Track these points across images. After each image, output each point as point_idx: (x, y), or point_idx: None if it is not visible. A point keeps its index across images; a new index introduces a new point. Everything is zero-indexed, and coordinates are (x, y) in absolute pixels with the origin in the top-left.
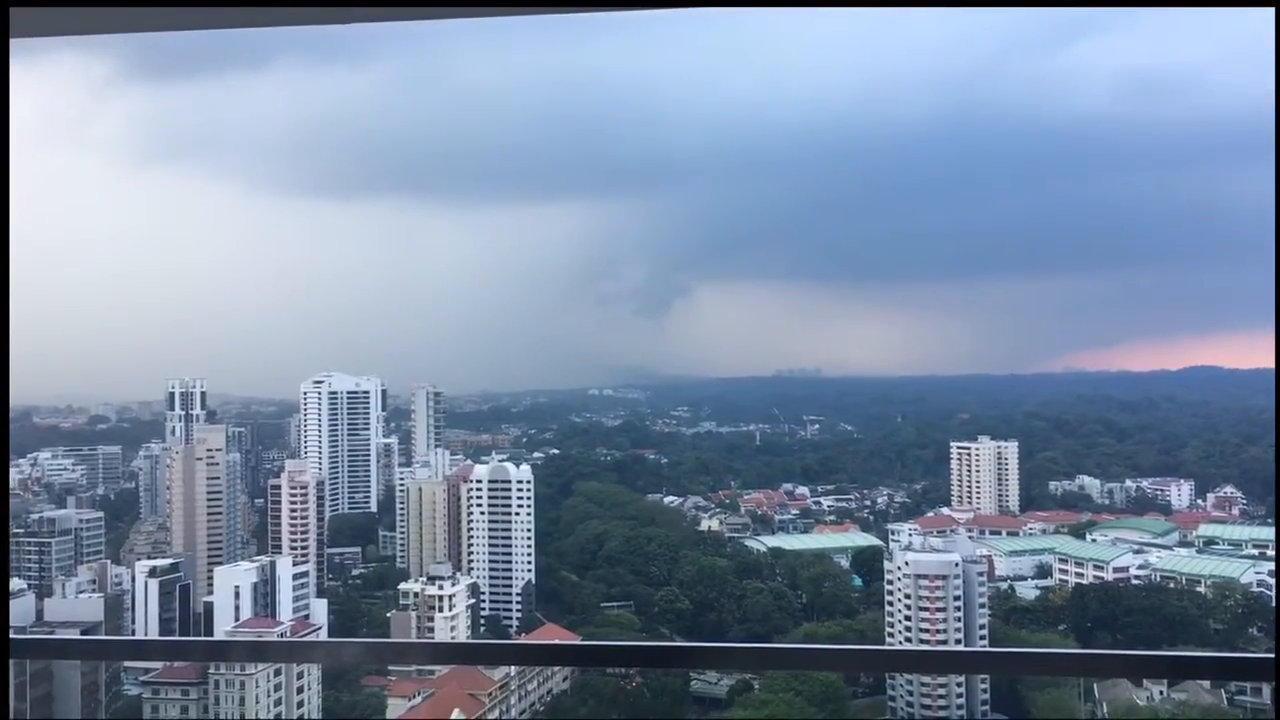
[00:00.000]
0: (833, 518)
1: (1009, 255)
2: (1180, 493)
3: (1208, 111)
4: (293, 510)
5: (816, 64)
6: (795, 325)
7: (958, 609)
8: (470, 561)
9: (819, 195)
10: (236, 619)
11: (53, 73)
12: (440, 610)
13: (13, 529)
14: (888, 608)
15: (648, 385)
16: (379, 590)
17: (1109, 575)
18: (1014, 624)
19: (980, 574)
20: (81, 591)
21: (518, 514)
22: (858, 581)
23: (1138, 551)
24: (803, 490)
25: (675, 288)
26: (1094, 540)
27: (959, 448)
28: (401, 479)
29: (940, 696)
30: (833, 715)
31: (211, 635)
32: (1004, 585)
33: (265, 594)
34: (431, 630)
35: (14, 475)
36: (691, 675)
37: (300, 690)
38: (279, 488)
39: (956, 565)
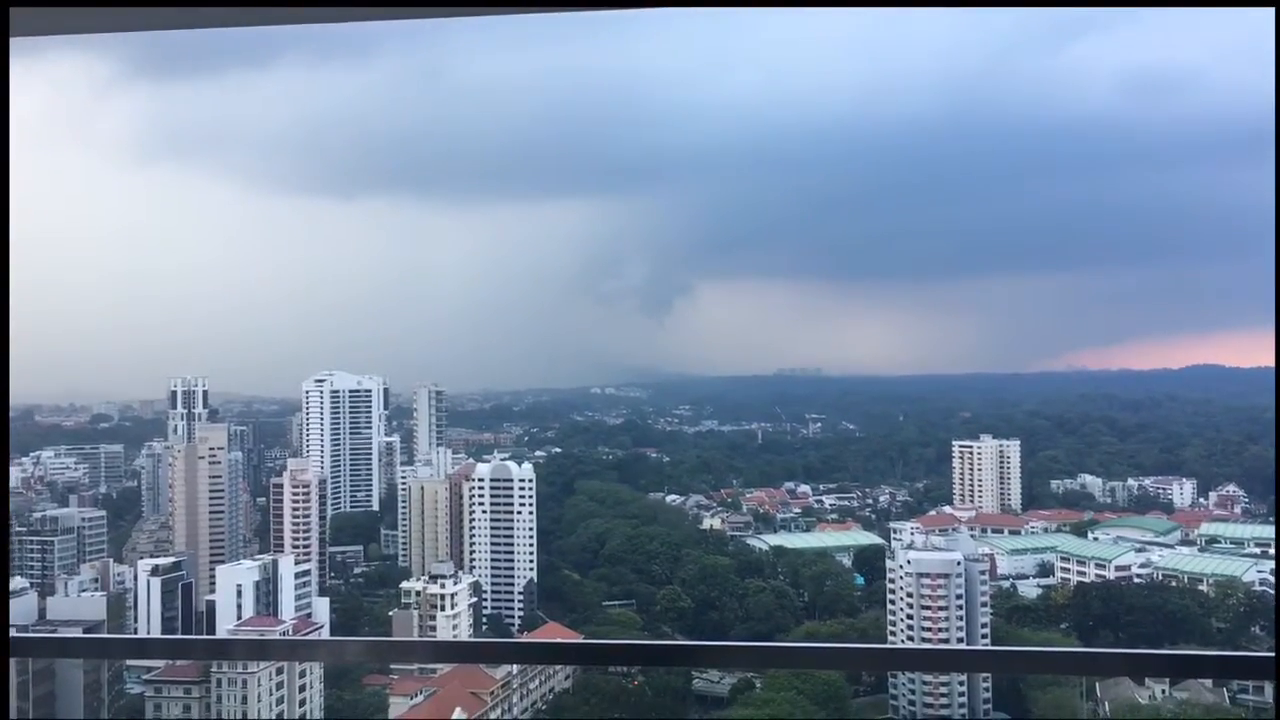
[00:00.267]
0: (835, 516)
1: (1010, 253)
2: (1182, 491)
3: (1209, 109)
4: (295, 509)
5: (818, 62)
6: (797, 324)
7: (960, 607)
8: (472, 560)
9: (821, 193)
10: (239, 617)
11: (54, 71)
12: (442, 609)
13: (16, 527)
14: (889, 606)
15: (649, 384)
16: (381, 589)
17: (1111, 574)
18: (1016, 622)
19: (982, 572)
20: (84, 590)
21: (519, 512)
22: (859, 580)
23: (1140, 550)
24: (805, 489)
25: (677, 286)
26: (1096, 539)
27: (961, 446)
28: (403, 477)
29: (942, 695)
30: (834, 714)
31: (214, 634)
32: (1006, 584)
33: (267, 592)
34: (433, 629)
35: (17, 474)
36: (693, 674)
37: (303, 689)
38: (281, 486)
39: (958, 564)
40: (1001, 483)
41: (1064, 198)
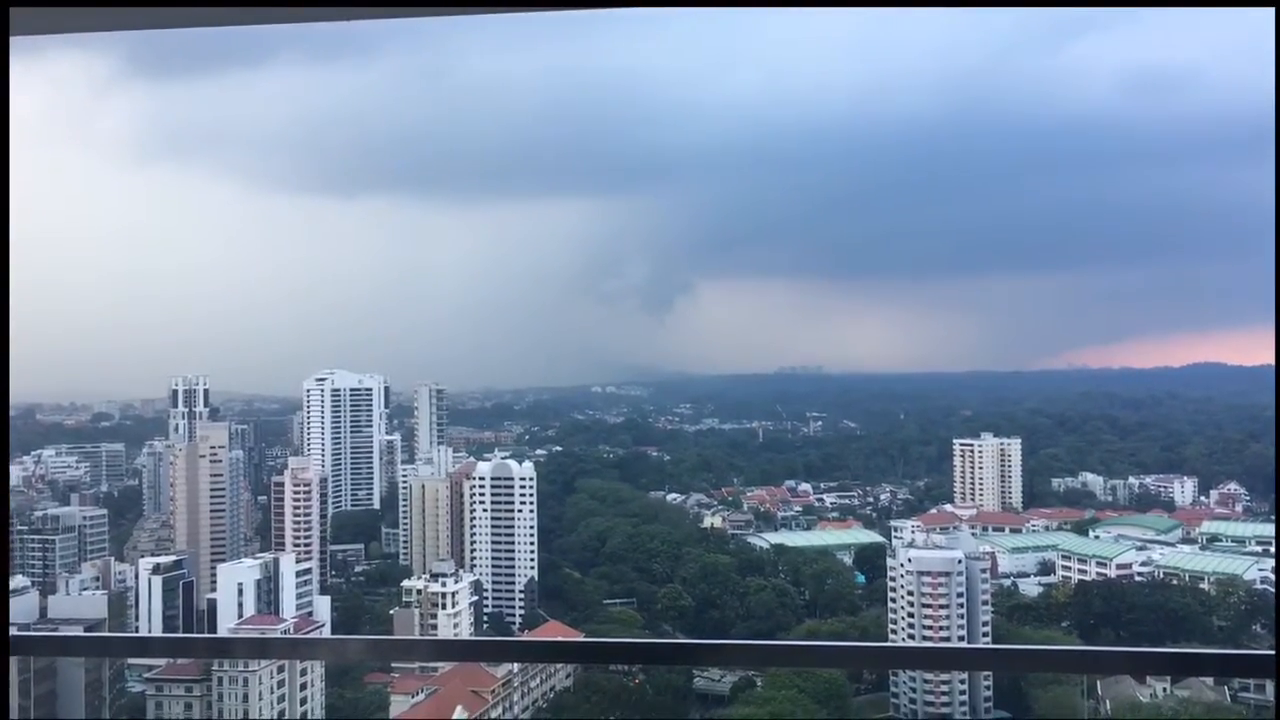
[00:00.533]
0: (835, 514)
1: (1011, 252)
2: (1183, 489)
3: (1209, 107)
4: (296, 507)
5: (819, 61)
6: (798, 322)
7: (960, 606)
8: (473, 558)
9: (822, 192)
10: (240, 616)
11: (54, 70)
12: (443, 607)
13: (17, 526)
14: (890, 604)
15: (650, 382)
16: (382, 587)
17: (1112, 572)
18: (1017, 621)
19: (983, 571)
20: (85, 589)
21: (520, 511)
22: (860, 578)
23: (1141, 548)
24: (805, 487)
25: (678, 285)
26: (1097, 537)
27: (962, 444)
28: (404, 476)
29: (943, 693)
30: (835, 712)
31: (215, 632)
32: (1007, 582)
33: (268, 591)
34: (434, 627)
35: (18, 472)
36: (694, 672)
37: (304, 687)
38: (282, 485)
39: (959, 562)
40: (1002, 481)
41: (1064, 196)
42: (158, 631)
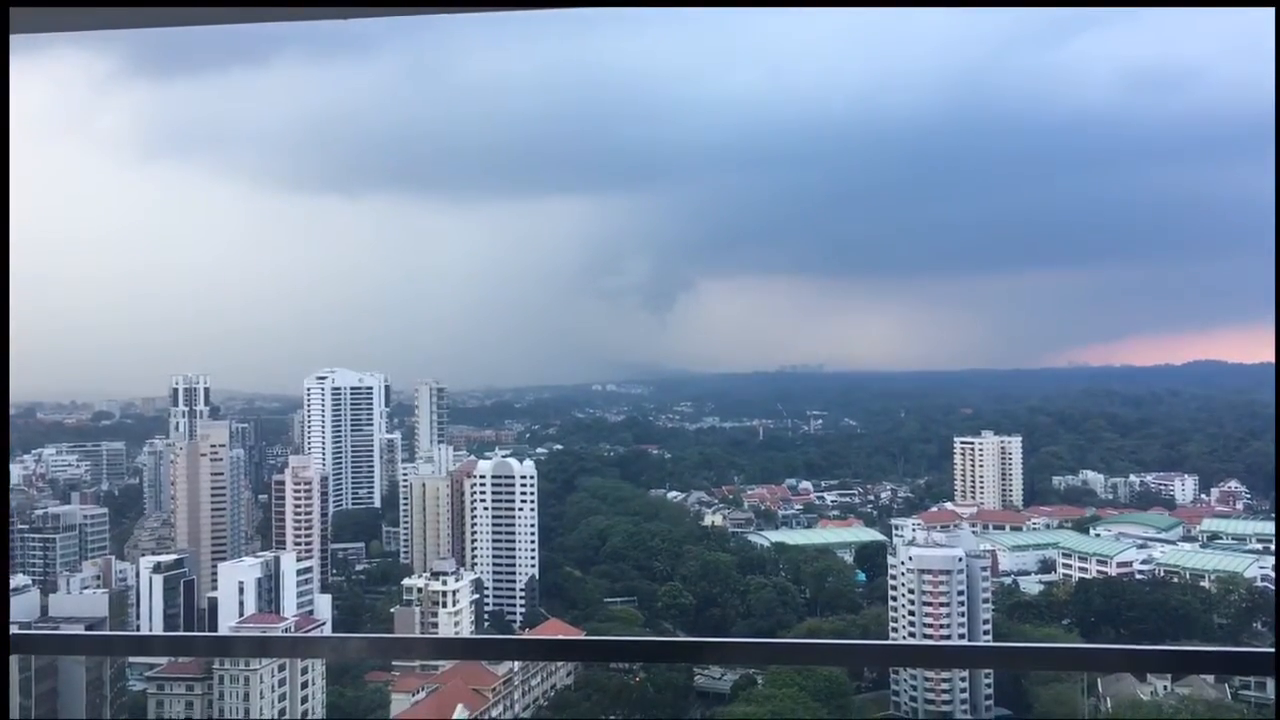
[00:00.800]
0: (836, 513)
1: (1012, 249)
2: (1184, 487)
3: (1209, 104)
4: (296, 506)
5: (819, 58)
6: (799, 320)
7: (961, 604)
8: (474, 557)
9: (823, 190)
10: (240, 614)
11: (54, 68)
12: (444, 605)
13: (18, 525)
14: (891, 603)
15: (651, 380)
16: (383, 586)
17: (1113, 570)
18: (1017, 619)
19: (984, 569)
20: (86, 587)
21: (521, 509)
22: (861, 576)
23: (1141, 546)
24: (806, 485)
25: (678, 283)
26: (1098, 535)
27: (962, 442)
28: (405, 474)
29: (944, 691)
30: (836, 710)
31: (216, 631)
32: (1007, 580)
33: (269, 589)
34: (435, 626)
35: (19, 471)
36: (695, 670)
37: (305, 686)
38: (283, 483)
39: (960, 560)
40: (1003, 479)
41: (1065, 193)
42: (159, 630)
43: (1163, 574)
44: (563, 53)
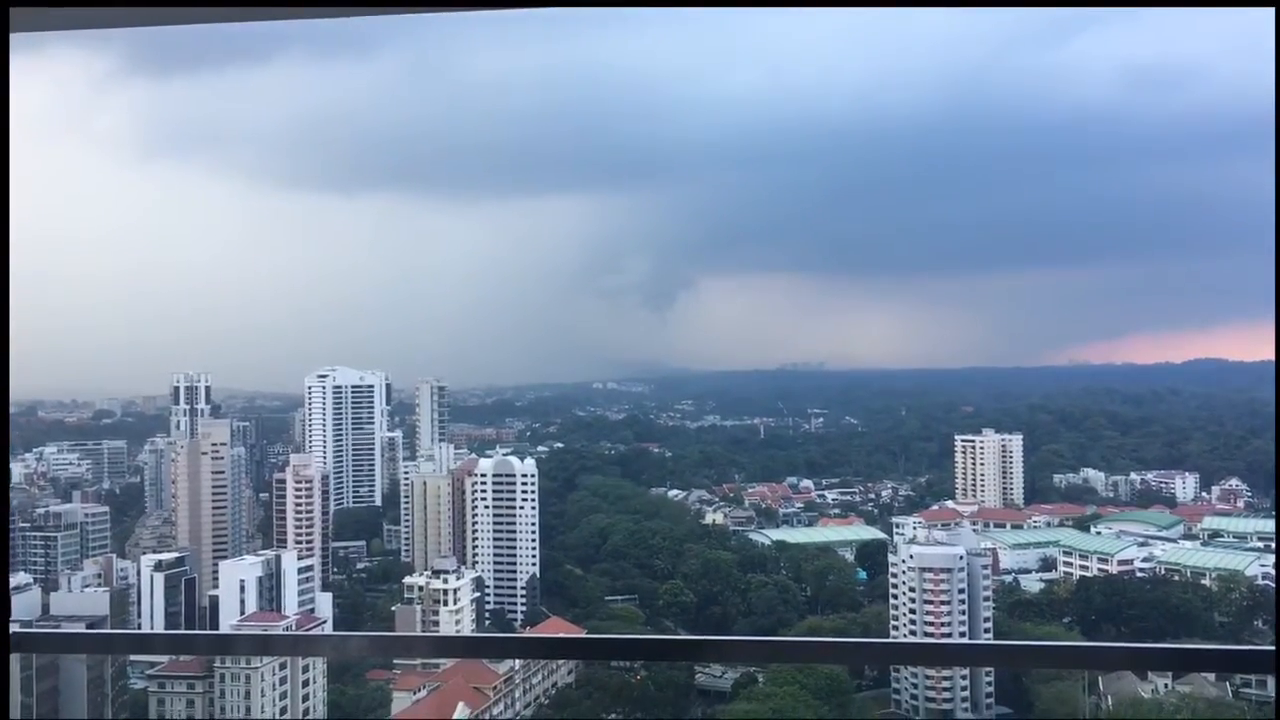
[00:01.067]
0: (837, 511)
1: (1012, 248)
2: (1185, 485)
3: (1210, 103)
4: (297, 504)
5: (819, 56)
6: (800, 318)
7: (962, 602)
8: (475, 555)
9: (823, 188)
10: (242, 613)
11: (54, 67)
12: (445, 604)
13: (19, 523)
14: (892, 601)
15: (652, 379)
16: (384, 584)
17: (1113, 568)
18: (1018, 617)
19: (984, 567)
20: (87, 585)
21: (522, 508)
22: (862, 575)
23: (1142, 544)
24: (807, 483)
25: (679, 281)
26: (1098, 533)
27: (963, 441)
28: (406, 473)
29: (945, 689)
30: (837, 708)
31: (217, 629)
32: (1008, 578)
33: (270, 588)
34: (436, 624)
35: (20, 470)
36: (696, 668)
37: (306, 684)
38: (284, 482)
39: (961, 558)
40: (1004, 477)
41: (1066, 192)
42: (160, 628)
43: (1163, 572)
44: (563, 52)
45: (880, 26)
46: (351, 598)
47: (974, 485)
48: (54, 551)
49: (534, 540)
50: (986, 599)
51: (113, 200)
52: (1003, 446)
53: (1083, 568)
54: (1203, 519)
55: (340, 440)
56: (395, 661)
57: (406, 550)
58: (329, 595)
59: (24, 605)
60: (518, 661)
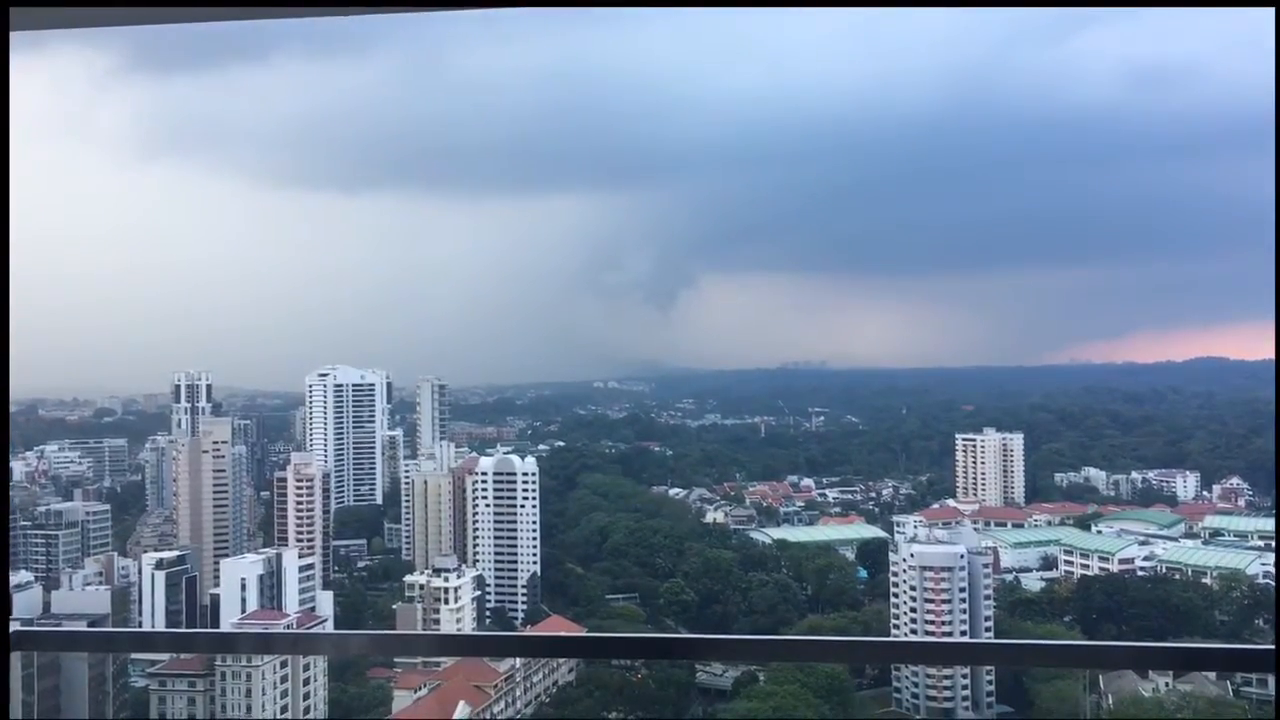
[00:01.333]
0: (838, 510)
1: (1013, 247)
2: (1186, 484)
3: (1210, 102)
4: (298, 503)
5: (821, 55)
6: (801, 317)
7: (963, 601)
8: (475, 554)
9: (824, 186)
10: (243, 611)
11: (54, 65)
12: (446, 602)
13: (20, 521)
14: (893, 599)
15: (653, 377)
16: (384, 582)
17: (1114, 567)
18: (1019, 616)
19: (985, 566)
20: (88, 584)
21: (523, 506)
22: (863, 573)
23: (1143, 543)
24: (808, 482)
25: (680, 280)
26: (1099, 532)
27: (964, 439)
28: (407, 471)
29: (945, 688)
30: (838, 706)
31: (218, 627)
32: (1009, 577)
33: (271, 586)
34: (437, 622)
35: (21, 468)
36: (697, 667)
37: (307, 682)
38: (285, 480)
39: (962, 557)
40: (1005, 476)
41: (1066, 191)
42: (161, 627)
43: (1164, 571)
44: (564, 51)
45: (881, 26)
46: (352, 596)
47: (975, 484)
48: (55, 550)
49: (535, 539)
50: (987, 598)
51: (113, 199)
52: (1004, 445)
53: (1083, 566)
54: (1204, 518)
55: (341, 439)
56: (396, 660)
57: (407, 549)
58: (330, 594)
59: (25, 603)
60: (518, 660)
